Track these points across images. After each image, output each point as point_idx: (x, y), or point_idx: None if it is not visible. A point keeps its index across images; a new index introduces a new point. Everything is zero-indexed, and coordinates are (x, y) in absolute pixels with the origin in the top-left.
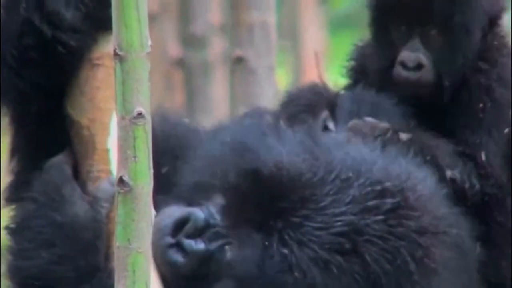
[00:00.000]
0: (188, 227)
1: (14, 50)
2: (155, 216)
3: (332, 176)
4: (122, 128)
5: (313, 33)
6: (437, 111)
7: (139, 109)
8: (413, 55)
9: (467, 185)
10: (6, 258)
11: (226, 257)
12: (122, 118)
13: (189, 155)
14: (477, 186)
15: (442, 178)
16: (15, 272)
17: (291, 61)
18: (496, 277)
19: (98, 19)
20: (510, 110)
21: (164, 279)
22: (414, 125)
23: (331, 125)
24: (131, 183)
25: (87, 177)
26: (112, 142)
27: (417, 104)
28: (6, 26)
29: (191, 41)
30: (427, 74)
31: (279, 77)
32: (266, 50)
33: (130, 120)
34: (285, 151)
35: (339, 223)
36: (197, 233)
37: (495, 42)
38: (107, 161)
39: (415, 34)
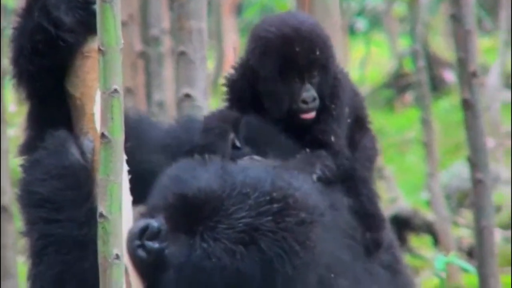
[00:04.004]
0: (147, 233)
1: (28, 44)
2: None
3: (236, 192)
4: (103, 99)
5: (231, 35)
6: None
7: (115, 86)
8: (310, 94)
9: (328, 173)
10: (18, 187)
11: (167, 253)
12: (103, 93)
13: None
14: (333, 167)
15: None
16: (27, 197)
17: (216, 54)
18: (360, 208)
19: (88, 24)
20: (347, 108)
21: (135, 268)
22: (288, 151)
23: (237, 143)
24: (109, 136)
25: (79, 133)
26: (97, 109)
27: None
28: (22, 28)
29: (149, 40)
30: (317, 102)
31: (209, 64)
32: (200, 47)
33: (109, 94)
34: (205, 179)
35: (240, 224)
36: (154, 237)
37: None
38: (93, 122)
39: (305, 81)
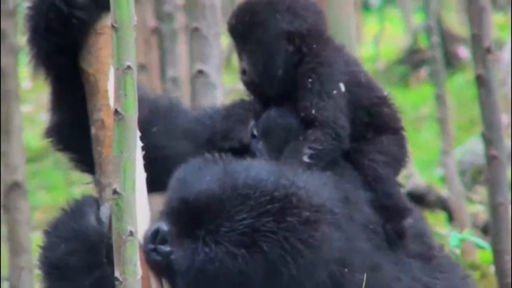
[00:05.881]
0: (159, 236)
1: (43, 23)
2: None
3: (236, 193)
4: (117, 76)
5: None
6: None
7: (128, 63)
8: (241, 64)
9: (319, 146)
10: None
11: (174, 258)
12: (117, 69)
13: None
14: (323, 138)
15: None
16: (43, 262)
17: None
18: (378, 202)
19: (101, 1)
20: (336, 84)
21: (152, 270)
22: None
23: (255, 132)
24: (123, 113)
25: (93, 109)
26: (110, 85)
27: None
28: (36, 7)
29: (163, 16)
30: (249, 76)
31: (222, 41)
32: (213, 23)
33: (122, 71)
34: (206, 181)
35: (241, 226)
36: (166, 240)
37: (314, 46)
38: (106, 98)
39: (242, 51)
